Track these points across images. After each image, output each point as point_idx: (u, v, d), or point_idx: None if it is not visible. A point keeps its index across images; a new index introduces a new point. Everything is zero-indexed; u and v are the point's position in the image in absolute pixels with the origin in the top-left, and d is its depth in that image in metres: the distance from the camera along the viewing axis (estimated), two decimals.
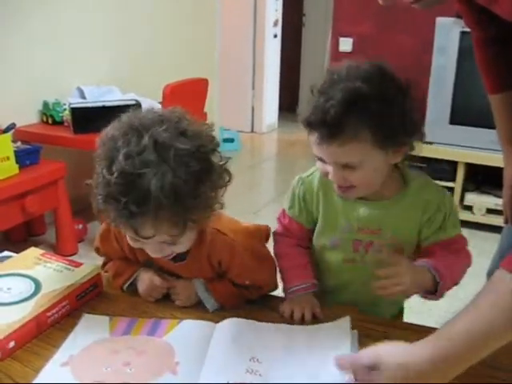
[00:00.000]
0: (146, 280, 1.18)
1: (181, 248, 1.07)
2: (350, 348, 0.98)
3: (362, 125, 0.99)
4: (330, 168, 1.06)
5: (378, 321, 1.12)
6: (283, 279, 1.22)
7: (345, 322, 1.06)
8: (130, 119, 0.99)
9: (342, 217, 1.17)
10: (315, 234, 1.23)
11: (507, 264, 0.82)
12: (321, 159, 1.07)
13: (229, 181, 1.04)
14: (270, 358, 0.97)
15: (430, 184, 1.17)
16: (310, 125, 1.04)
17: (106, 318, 1.09)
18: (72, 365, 0.95)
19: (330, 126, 0.98)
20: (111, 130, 1.00)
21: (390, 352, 0.85)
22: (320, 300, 1.17)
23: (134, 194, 0.90)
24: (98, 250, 1.26)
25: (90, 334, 1.04)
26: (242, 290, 1.17)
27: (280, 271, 1.23)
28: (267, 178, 5.00)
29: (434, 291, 1.09)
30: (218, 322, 1.07)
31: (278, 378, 0.92)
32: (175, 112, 1.02)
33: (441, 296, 1.09)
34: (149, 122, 0.96)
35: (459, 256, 1.13)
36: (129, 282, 1.21)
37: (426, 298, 1.12)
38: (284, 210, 1.25)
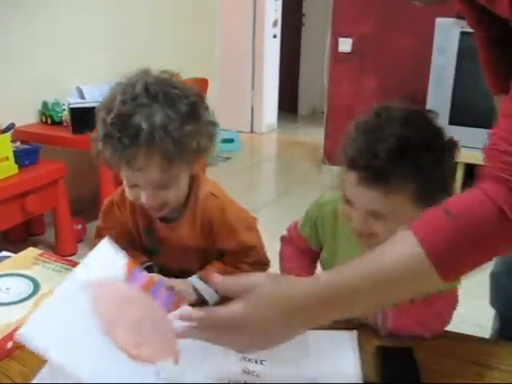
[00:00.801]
0: None
1: (173, 196, 1.14)
2: (355, 360, 0.97)
3: (409, 177, 0.93)
4: (355, 213, 1.00)
5: None
6: None
7: (352, 334, 1.05)
8: (124, 80, 1.12)
9: (346, 251, 1.16)
10: (321, 258, 1.24)
11: (415, 224, 0.78)
12: (348, 201, 1.02)
13: (215, 132, 1.15)
14: (267, 358, 0.96)
15: None
16: (354, 164, 0.96)
17: (122, 257, 0.95)
18: (91, 292, 0.85)
19: (377, 170, 0.92)
20: (108, 92, 1.13)
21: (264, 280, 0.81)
22: None
23: (128, 130, 1.02)
24: (99, 231, 1.29)
25: (106, 268, 0.92)
26: (235, 270, 1.20)
27: (282, 272, 1.24)
28: (266, 179, 5.00)
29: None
30: None
31: (276, 379, 0.92)
32: (165, 72, 1.15)
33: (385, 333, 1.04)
34: (139, 76, 1.11)
35: (437, 315, 1.06)
36: None
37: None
38: (297, 224, 1.26)
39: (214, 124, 1.15)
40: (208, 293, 1.16)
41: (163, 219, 1.23)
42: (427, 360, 0.98)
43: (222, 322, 0.80)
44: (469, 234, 0.76)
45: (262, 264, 1.26)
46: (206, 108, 1.14)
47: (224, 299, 0.90)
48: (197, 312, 0.82)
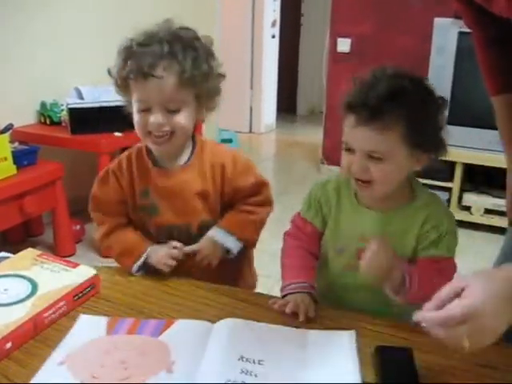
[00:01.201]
0: (161, 249, 1.27)
1: (179, 121, 1.21)
2: (354, 361, 0.98)
3: (400, 116, 1.04)
4: (355, 158, 1.09)
5: (373, 320, 1.12)
6: (283, 275, 1.23)
7: (350, 334, 1.05)
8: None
9: (349, 224, 1.21)
10: (324, 238, 1.25)
11: None
12: (348, 149, 1.11)
13: (221, 81, 1.28)
14: (266, 359, 0.97)
15: (437, 202, 1.20)
16: (351, 106, 1.08)
17: (103, 318, 1.09)
18: (69, 363, 0.95)
19: (371, 108, 1.03)
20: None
21: (483, 297, 0.81)
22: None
23: (150, 51, 1.16)
24: (94, 198, 1.34)
25: (86, 333, 1.03)
26: (248, 215, 1.35)
27: (282, 268, 1.24)
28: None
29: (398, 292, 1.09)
30: (214, 322, 1.07)
31: (274, 379, 0.92)
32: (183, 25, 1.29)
33: (405, 300, 1.08)
34: (166, 24, 1.26)
35: (440, 278, 1.07)
36: (141, 261, 1.27)
37: (390, 295, 1.10)
38: (299, 213, 1.29)
39: (222, 76, 1.28)
40: (230, 241, 1.32)
41: (164, 170, 1.30)
42: (426, 360, 0.98)
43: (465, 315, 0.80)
44: None
45: (270, 202, 1.41)
46: (217, 61, 1.26)
47: None
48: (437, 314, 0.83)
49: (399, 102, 1.04)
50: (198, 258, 1.30)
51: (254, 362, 0.95)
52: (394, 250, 1.09)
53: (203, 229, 1.32)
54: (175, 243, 1.27)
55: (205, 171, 1.31)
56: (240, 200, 1.36)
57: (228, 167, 1.32)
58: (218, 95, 1.28)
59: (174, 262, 1.25)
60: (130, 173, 1.32)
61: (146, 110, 1.20)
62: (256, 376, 0.92)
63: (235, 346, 0.99)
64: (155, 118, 1.19)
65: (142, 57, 1.15)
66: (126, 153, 1.35)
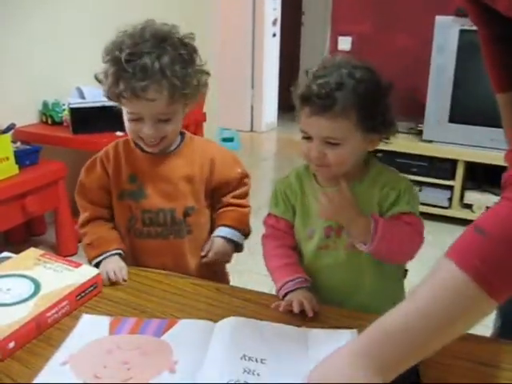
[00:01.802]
0: (115, 263, 1.29)
1: (170, 129, 1.29)
2: None
3: (351, 104, 1.10)
4: (313, 145, 1.16)
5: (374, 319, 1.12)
6: (274, 279, 1.24)
7: (352, 333, 1.05)
8: (128, 29, 1.28)
9: (313, 205, 1.24)
10: (295, 226, 1.29)
11: (452, 251, 0.78)
12: (305, 137, 1.18)
13: (207, 78, 1.34)
14: (268, 358, 0.97)
15: (387, 168, 1.26)
16: (305, 98, 1.13)
17: (105, 318, 1.09)
18: (71, 363, 0.95)
19: (323, 99, 1.09)
20: (113, 39, 1.29)
21: (318, 369, 0.84)
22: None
23: (140, 66, 1.19)
24: (81, 185, 1.41)
25: (89, 333, 1.04)
26: (242, 209, 1.44)
27: (270, 272, 1.26)
28: (266, 177, 5.00)
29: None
30: (216, 321, 1.07)
31: (276, 378, 0.92)
32: (167, 24, 1.31)
33: (374, 250, 1.12)
34: (146, 25, 1.27)
35: (409, 228, 1.16)
36: (98, 259, 1.31)
37: (359, 247, 1.16)
38: (269, 213, 1.32)
39: (207, 73, 1.33)
40: (238, 237, 1.41)
41: (152, 156, 1.35)
42: (428, 359, 0.98)
43: None
44: (508, 248, 0.74)
45: (247, 194, 1.48)
46: (200, 58, 1.31)
47: None
48: None
49: (349, 91, 1.10)
50: (211, 258, 1.37)
51: (256, 360, 0.96)
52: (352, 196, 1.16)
53: (187, 214, 1.37)
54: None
55: (193, 158, 1.38)
56: (227, 193, 1.44)
57: (217, 159, 1.40)
58: (205, 89, 1.34)
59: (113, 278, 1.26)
60: (116, 160, 1.38)
61: (137, 120, 1.26)
62: (259, 375, 0.92)
63: (238, 345, 0.99)
64: (147, 129, 1.26)
65: (133, 78, 1.19)
66: (112, 143, 1.42)
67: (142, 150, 1.36)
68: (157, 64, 1.19)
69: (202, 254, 1.38)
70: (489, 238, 0.75)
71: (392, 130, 1.20)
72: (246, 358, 0.96)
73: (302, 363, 0.96)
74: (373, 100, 1.13)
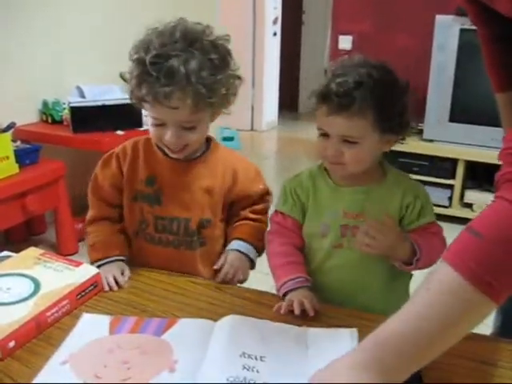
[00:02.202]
0: (115, 270, 1.26)
1: (194, 137, 1.23)
2: None
3: (369, 103, 1.11)
4: (329, 143, 1.16)
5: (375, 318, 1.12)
6: (275, 277, 1.23)
7: (352, 332, 1.05)
8: (159, 27, 1.21)
9: (329, 203, 1.25)
10: (305, 223, 1.28)
11: (448, 254, 0.78)
12: (323, 134, 1.17)
13: (239, 84, 1.29)
14: (267, 355, 0.97)
15: (405, 175, 1.28)
16: (323, 96, 1.14)
17: (106, 317, 1.09)
18: (72, 362, 0.95)
19: (342, 97, 1.10)
20: (148, 32, 1.20)
21: (317, 372, 0.82)
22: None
23: (165, 70, 1.11)
24: (95, 178, 1.35)
25: (89, 332, 1.04)
26: (260, 224, 1.38)
27: (272, 270, 1.25)
28: (267, 177, 4.93)
29: (409, 262, 1.16)
30: (217, 320, 1.07)
31: (276, 375, 0.92)
32: (201, 23, 1.25)
33: (416, 268, 1.16)
34: (178, 24, 1.21)
35: (437, 238, 1.21)
36: (100, 263, 1.28)
37: (400, 267, 1.18)
38: (276, 211, 1.31)
39: (238, 78, 1.28)
40: (252, 253, 1.35)
41: (174, 162, 1.30)
42: None
43: None
44: (505, 249, 0.74)
45: (267, 212, 1.41)
46: (234, 62, 1.26)
47: None
48: None
49: (367, 90, 1.10)
50: (227, 273, 1.29)
51: (255, 358, 0.96)
52: (396, 225, 1.19)
53: (202, 226, 1.32)
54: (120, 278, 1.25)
55: (216, 168, 1.33)
56: (246, 207, 1.39)
57: (240, 172, 1.35)
58: (235, 96, 1.29)
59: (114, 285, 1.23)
60: (134, 159, 1.32)
61: (160, 125, 1.20)
62: (258, 372, 0.92)
63: (237, 343, 0.99)
64: (170, 136, 1.20)
65: (157, 82, 1.12)
66: (131, 140, 1.35)
67: (164, 153, 1.30)
68: (182, 69, 1.11)
69: (216, 267, 1.30)
70: (484, 240, 0.75)
71: (407, 132, 1.21)
72: (246, 355, 0.96)
73: (301, 361, 0.96)
74: (390, 100, 1.14)
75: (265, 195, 1.41)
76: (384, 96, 1.12)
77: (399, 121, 1.16)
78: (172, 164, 1.30)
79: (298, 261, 1.25)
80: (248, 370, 0.92)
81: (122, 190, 1.33)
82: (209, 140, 1.35)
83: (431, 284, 0.78)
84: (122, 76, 1.24)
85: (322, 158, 1.21)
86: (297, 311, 1.10)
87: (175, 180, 1.30)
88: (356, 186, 1.23)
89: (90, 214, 1.36)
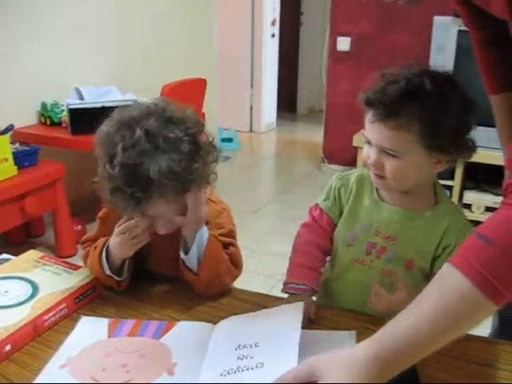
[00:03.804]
0: (119, 228, 1.17)
1: (185, 220, 1.15)
2: None
3: (415, 116, 1.02)
4: (372, 151, 1.10)
5: (374, 321, 1.12)
6: (288, 272, 1.22)
7: (351, 335, 1.05)
8: (121, 115, 1.10)
9: (365, 214, 1.19)
10: (338, 227, 1.23)
11: (457, 259, 0.80)
12: (368, 142, 1.11)
13: (217, 156, 1.15)
14: (261, 340, 0.96)
15: (459, 212, 1.19)
16: (368, 102, 1.09)
17: (104, 320, 1.09)
18: (70, 366, 0.95)
19: (386, 106, 1.04)
20: (105, 127, 1.11)
21: (329, 359, 0.82)
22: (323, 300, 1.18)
23: (137, 182, 1.01)
24: (101, 222, 1.28)
25: (88, 335, 1.04)
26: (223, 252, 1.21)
27: (289, 263, 1.23)
28: (266, 178, 5.00)
29: None
30: (216, 323, 1.07)
31: (268, 355, 0.92)
32: (160, 102, 1.13)
33: None
34: (138, 116, 1.07)
35: None
36: (104, 250, 1.18)
37: None
38: (317, 204, 1.27)
39: (214, 149, 1.15)
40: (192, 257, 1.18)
41: None
42: (426, 359, 0.98)
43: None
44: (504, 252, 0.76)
45: (235, 265, 1.25)
46: (205, 134, 1.13)
47: None
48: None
49: (415, 102, 1.03)
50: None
51: (250, 346, 0.96)
52: (409, 292, 1.07)
53: None
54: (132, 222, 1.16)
55: None
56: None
57: (209, 226, 1.23)
58: (215, 170, 1.17)
59: (140, 237, 1.16)
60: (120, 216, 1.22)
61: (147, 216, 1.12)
62: (252, 358, 0.92)
63: (233, 338, 1.00)
64: (160, 229, 1.14)
65: (132, 200, 1.03)
66: None
67: None
68: (154, 175, 1.01)
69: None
70: (496, 247, 0.77)
71: (467, 154, 1.10)
72: (241, 346, 0.96)
73: (294, 338, 0.94)
74: (443, 115, 1.03)
75: (225, 244, 1.25)
76: (434, 110, 1.02)
77: (453, 140, 1.05)
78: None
79: (315, 267, 1.21)
80: (242, 359, 0.92)
81: None
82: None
83: (440, 289, 0.80)
84: (93, 182, 1.11)
85: (365, 165, 1.14)
86: None
87: (156, 244, 1.22)
88: (399, 205, 1.15)
89: (89, 236, 1.30)
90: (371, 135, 1.09)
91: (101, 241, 1.22)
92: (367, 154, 1.11)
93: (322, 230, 1.24)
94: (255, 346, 0.95)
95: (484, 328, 1.49)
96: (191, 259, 1.17)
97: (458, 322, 0.79)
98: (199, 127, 1.12)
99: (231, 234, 1.27)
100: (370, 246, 1.17)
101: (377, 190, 1.19)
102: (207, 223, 1.21)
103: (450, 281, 0.79)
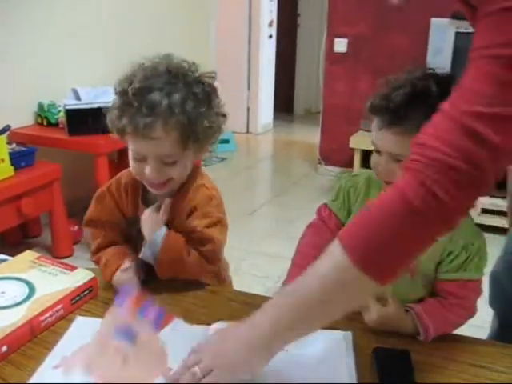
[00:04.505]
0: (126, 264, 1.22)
1: (177, 173, 1.18)
2: (350, 361, 0.98)
3: (423, 119, 0.97)
4: (381, 159, 1.08)
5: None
6: (289, 272, 1.22)
7: (347, 335, 1.06)
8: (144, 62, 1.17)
9: None
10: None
11: (344, 235, 0.82)
12: (377, 151, 1.10)
13: (223, 122, 1.21)
14: None
15: (469, 218, 1.13)
16: (374, 109, 1.08)
17: (99, 320, 1.08)
18: (65, 366, 0.95)
19: (392, 112, 1.03)
20: (134, 67, 1.17)
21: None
22: None
23: (147, 101, 1.09)
24: (88, 221, 1.31)
25: (82, 336, 1.03)
26: (185, 251, 1.21)
27: (291, 263, 1.24)
28: (263, 179, 5.00)
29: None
30: (209, 323, 1.07)
31: (269, 378, 0.92)
32: (187, 61, 1.20)
33: (426, 339, 1.05)
34: (162, 59, 1.17)
35: (458, 308, 1.09)
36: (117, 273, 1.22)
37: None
38: (326, 204, 1.27)
39: (223, 115, 1.21)
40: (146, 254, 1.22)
41: (147, 205, 1.25)
42: (424, 362, 0.99)
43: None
44: (381, 228, 0.78)
45: (211, 260, 1.24)
46: (218, 100, 1.20)
47: None
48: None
49: (422, 106, 0.99)
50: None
51: None
52: (400, 305, 1.07)
53: None
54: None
55: (181, 212, 1.25)
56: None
57: (196, 210, 1.24)
58: (219, 133, 1.22)
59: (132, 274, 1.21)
60: (121, 196, 1.29)
61: (141, 160, 1.16)
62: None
63: None
64: (150, 172, 1.15)
65: (138, 113, 1.09)
66: (121, 176, 1.32)
67: (143, 198, 1.27)
68: (166, 100, 1.09)
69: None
70: (368, 215, 0.81)
71: None
72: None
73: (296, 364, 0.96)
74: None
75: (202, 240, 1.22)
76: None
77: None
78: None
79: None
80: None
81: (119, 222, 1.31)
82: (189, 175, 1.26)
83: (323, 261, 0.84)
84: (104, 112, 1.18)
85: (375, 173, 1.13)
86: None
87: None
88: None
89: (94, 244, 1.31)
90: (379, 142, 1.08)
91: (112, 259, 1.25)
92: (377, 161, 1.10)
93: (328, 232, 1.23)
94: None
95: (484, 329, 1.50)
96: (146, 257, 1.22)
97: (334, 295, 0.82)
98: (214, 90, 1.20)
99: (219, 223, 1.25)
100: None
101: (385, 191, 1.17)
102: (195, 209, 1.23)
103: (331, 257, 0.82)
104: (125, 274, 1.21)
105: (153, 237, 1.20)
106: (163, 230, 1.21)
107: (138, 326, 1.00)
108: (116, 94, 1.16)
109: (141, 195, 1.28)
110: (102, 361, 0.94)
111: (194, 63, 1.20)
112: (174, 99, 1.10)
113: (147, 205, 1.26)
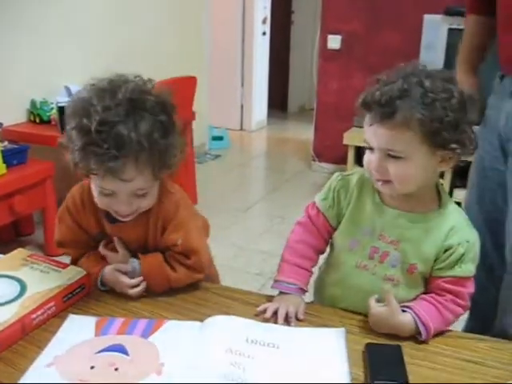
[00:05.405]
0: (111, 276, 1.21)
1: (147, 203, 1.14)
2: (343, 358, 0.98)
3: (414, 113, 0.99)
4: (374, 156, 1.07)
5: (362, 318, 1.12)
6: (279, 268, 1.22)
7: (340, 332, 1.06)
8: (98, 83, 1.08)
9: (368, 219, 1.16)
10: (337, 232, 1.21)
11: None
12: (369, 148, 1.08)
13: (182, 148, 1.13)
14: (254, 355, 0.97)
15: (462, 214, 1.17)
16: (366, 104, 1.06)
17: (92, 318, 1.08)
18: (57, 365, 0.95)
19: (384, 106, 1.01)
20: (79, 94, 1.08)
21: None
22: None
23: (115, 139, 0.99)
24: (58, 243, 1.29)
25: (75, 334, 1.03)
26: (168, 269, 1.19)
27: (281, 259, 1.23)
28: (256, 176, 5.00)
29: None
30: (202, 320, 1.07)
31: (262, 376, 0.92)
32: (140, 76, 1.13)
33: (426, 338, 1.06)
34: (118, 82, 1.07)
35: (453, 306, 1.10)
36: (99, 282, 1.21)
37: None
38: (314, 202, 1.24)
39: (181, 136, 1.14)
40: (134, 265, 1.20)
41: (113, 220, 1.20)
42: (415, 357, 0.99)
43: None
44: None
45: (198, 270, 1.22)
46: (178, 117, 1.12)
47: None
48: None
49: (414, 100, 1.00)
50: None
51: (242, 354, 0.97)
52: (398, 306, 1.07)
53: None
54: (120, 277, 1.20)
55: (150, 226, 1.21)
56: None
57: (167, 220, 1.20)
58: (183, 157, 1.15)
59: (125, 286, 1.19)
60: (84, 213, 1.26)
61: (109, 195, 1.10)
62: (244, 369, 0.93)
63: (222, 340, 1.00)
64: (121, 206, 1.11)
65: (106, 154, 0.99)
66: (77, 188, 1.30)
67: (106, 215, 1.21)
68: (133, 134, 1.00)
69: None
70: None
71: (470, 148, 1.06)
72: (232, 351, 0.97)
73: (289, 362, 0.97)
74: (443, 112, 1.00)
75: (188, 252, 1.20)
76: (434, 107, 1.00)
77: (455, 135, 1.02)
78: (113, 226, 1.22)
79: (306, 266, 1.21)
80: (234, 366, 0.93)
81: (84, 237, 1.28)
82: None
83: None
84: (61, 144, 1.12)
85: (368, 172, 1.11)
86: (280, 321, 1.10)
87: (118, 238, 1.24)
88: (402, 209, 1.12)
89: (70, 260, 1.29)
90: (371, 139, 1.06)
91: (93, 267, 1.23)
92: (369, 159, 1.08)
93: (315, 230, 1.23)
94: (247, 357, 0.97)
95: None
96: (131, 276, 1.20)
97: None
98: (174, 107, 1.11)
99: (195, 228, 1.22)
100: (373, 251, 1.15)
101: (378, 192, 1.15)
102: (167, 222, 1.19)
103: None
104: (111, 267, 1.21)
105: (130, 269, 1.20)
106: (135, 261, 1.20)
107: (127, 342, 1.01)
108: (72, 128, 1.05)
109: (103, 211, 1.20)
110: (94, 372, 0.94)
111: (149, 79, 1.12)
112: (141, 131, 1.01)
113: (111, 221, 1.20)
